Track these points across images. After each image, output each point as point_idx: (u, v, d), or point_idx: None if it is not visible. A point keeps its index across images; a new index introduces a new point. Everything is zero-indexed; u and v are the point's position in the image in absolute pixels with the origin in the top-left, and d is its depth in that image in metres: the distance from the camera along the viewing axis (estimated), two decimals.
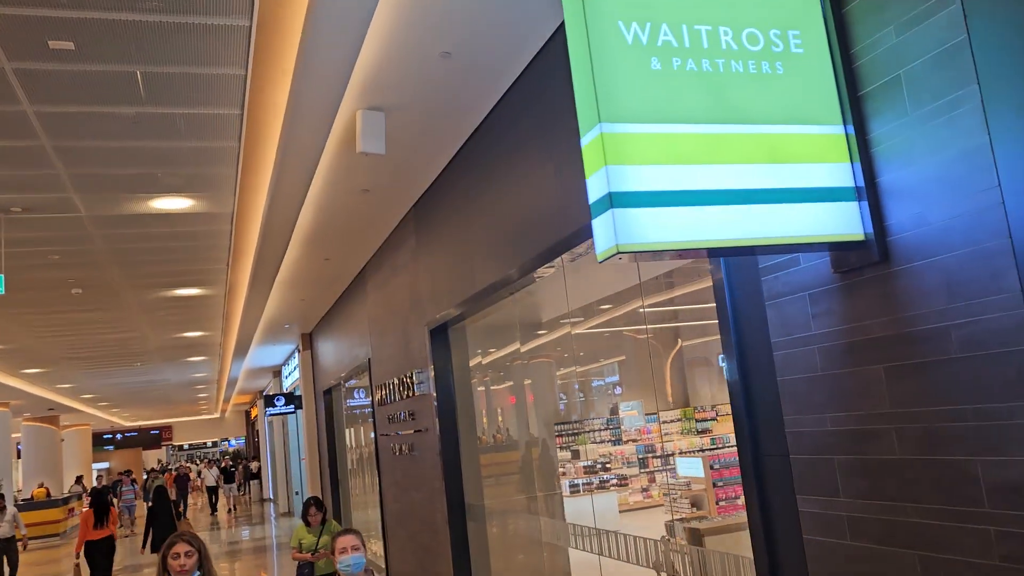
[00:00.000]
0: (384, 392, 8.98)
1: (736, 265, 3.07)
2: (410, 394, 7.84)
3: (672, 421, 17.70)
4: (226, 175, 5.90)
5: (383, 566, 9.72)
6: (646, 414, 17.56)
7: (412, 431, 7.98)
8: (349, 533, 3.96)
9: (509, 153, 5.16)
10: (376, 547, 10.74)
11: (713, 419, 18.31)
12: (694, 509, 9.76)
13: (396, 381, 8.34)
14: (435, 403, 7.09)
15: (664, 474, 14.47)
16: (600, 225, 2.22)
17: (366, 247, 8.74)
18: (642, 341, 16.46)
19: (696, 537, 5.21)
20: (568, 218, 4.45)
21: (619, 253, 2.15)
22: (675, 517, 9.89)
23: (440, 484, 7.18)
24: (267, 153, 5.57)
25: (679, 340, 18.12)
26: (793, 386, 2.81)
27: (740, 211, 2.29)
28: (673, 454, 14.76)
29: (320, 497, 8.20)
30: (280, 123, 5.03)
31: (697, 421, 17.93)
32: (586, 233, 4.33)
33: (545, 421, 7.52)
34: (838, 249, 2.47)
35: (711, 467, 9.72)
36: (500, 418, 7.50)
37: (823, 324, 2.66)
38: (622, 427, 16.75)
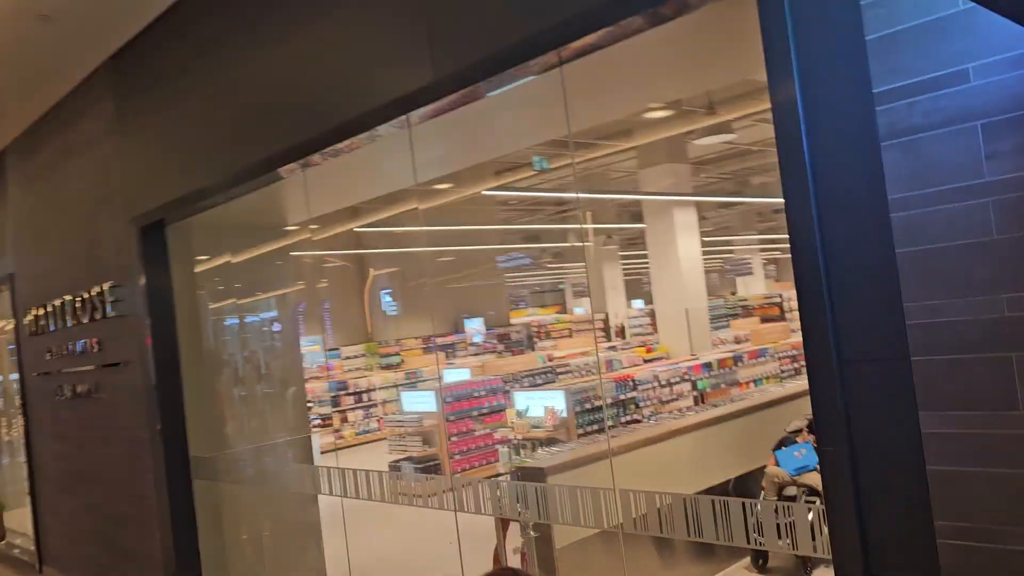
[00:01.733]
0: (41, 318, 6.69)
1: (824, 85, 2.14)
2: (97, 317, 5.81)
3: (355, 356, 16.75)
4: None
5: (32, 550, 7.40)
6: (328, 349, 16.30)
7: (97, 366, 5.95)
8: None
9: None
10: (16, 522, 8.25)
11: (397, 354, 17.74)
12: (425, 447, 8.92)
13: (68, 300, 6.18)
14: (148, 326, 5.25)
15: (359, 411, 13.43)
16: None
17: (18, 114, 6.31)
18: (336, 269, 15.11)
19: (535, 476, 4.32)
20: (403, 76, 3.17)
21: None
22: (405, 456, 8.96)
23: (148, 434, 5.39)
24: None
25: (371, 270, 17.14)
26: (930, 260, 1.98)
27: None
28: (380, 387, 13.77)
29: None
30: None
31: (381, 357, 17.22)
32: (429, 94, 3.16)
33: (290, 349, 6.08)
34: None
35: (444, 401, 8.94)
36: (233, 347, 5.87)
37: (1011, 167, 1.85)
38: (305, 363, 15.29)
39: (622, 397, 7.54)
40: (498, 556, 4.36)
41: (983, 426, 1.93)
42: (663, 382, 7.97)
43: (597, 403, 7.27)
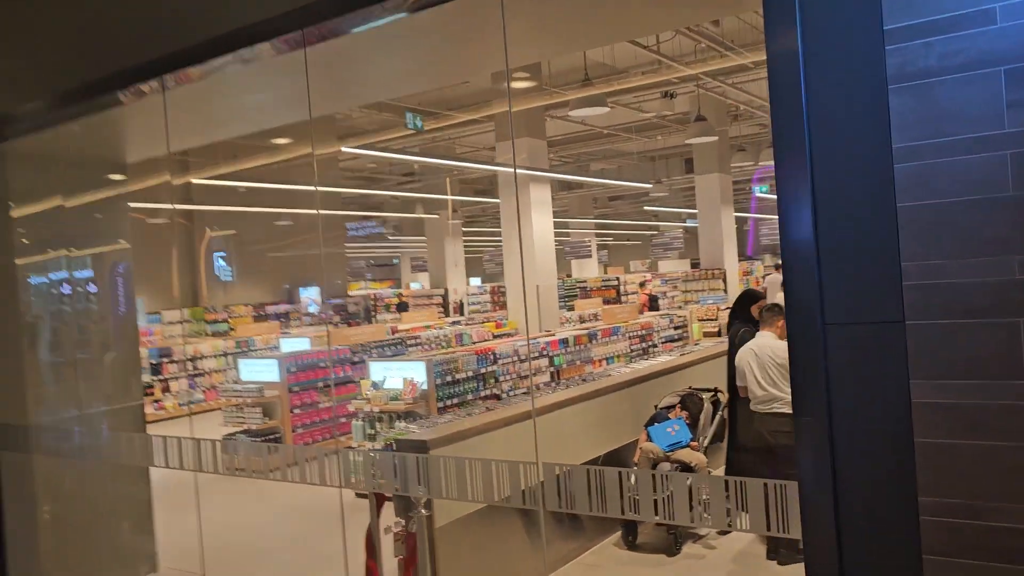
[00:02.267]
0: None
1: (828, 18, 1.94)
2: None
3: (178, 322, 15.54)
4: None
5: None
6: (147, 313, 14.99)
7: None
8: None
9: None
10: None
11: (225, 321, 16.61)
12: (266, 419, 8.27)
13: None
14: None
15: (184, 381, 12.37)
16: None
17: None
18: (158, 227, 13.91)
19: (417, 449, 3.95)
20: None
21: None
22: (242, 428, 8.26)
23: None
24: None
25: (207, 229, 15.87)
26: (935, 216, 1.83)
27: None
28: (209, 355, 12.71)
29: None
30: None
31: (208, 323, 16.09)
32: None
33: (124, 308, 5.35)
34: None
35: (288, 371, 8.33)
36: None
37: None
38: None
39: (483, 370, 7.29)
40: (370, 537, 3.97)
41: (981, 396, 1.81)
42: (522, 357, 7.80)
43: (458, 375, 6.97)
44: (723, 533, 5.22)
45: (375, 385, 6.86)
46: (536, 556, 4.76)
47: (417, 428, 4.75)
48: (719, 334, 11.92)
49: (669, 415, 5.30)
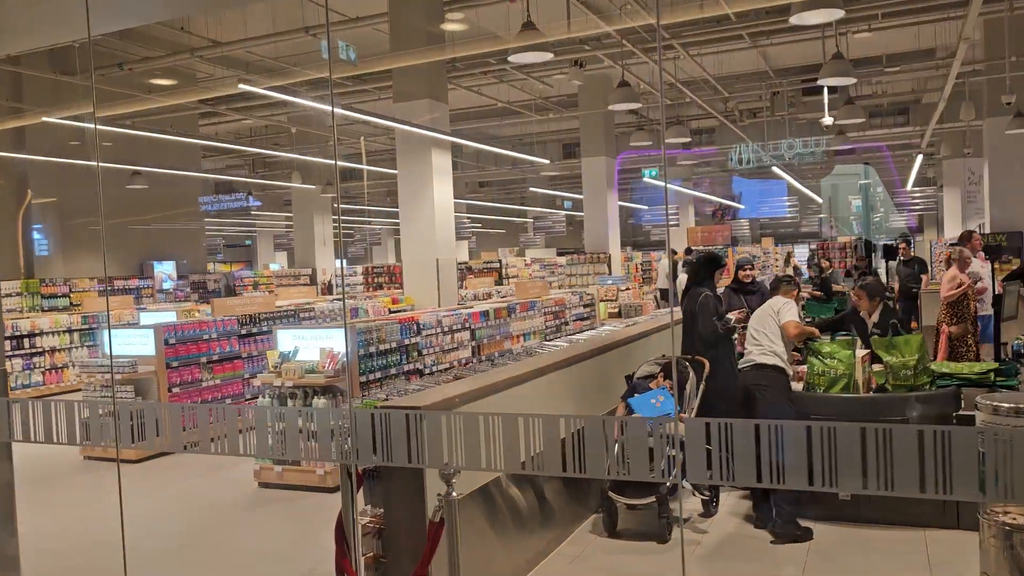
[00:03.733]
0: None
1: None
2: None
3: (7, 295, 13.61)
4: None
5: None
6: None
7: None
8: None
9: None
10: None
11: (66, 295, 14.76)
12: (139, 398, 7.04)
13: None
14: None
15: (17, 360, 10.60)
16: None
17: None
18: None
19: None
20: None
21: None
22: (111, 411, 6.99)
23: None
24: None
25: (29, 191, 13.95)
26: None
27: None
28: (49, 332, 10.96)
29: None
30: None
31: (44, 297, 14.22)
32: None
33: None
34: None
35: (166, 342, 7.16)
36: None
37: None
38: None
39: (406, 342, 6.45)
40: (341, 529, 3.11)
41: None
42: (445, 328, 7.02)
43: (381, 347, 6.10)
44: (706, 515, 4.71)
45: (284, 356, 5.87)
46: (513, 552, 4.05)
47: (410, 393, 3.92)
48: (620, 314, 11.61)
49: (651, 385, 4.72)
